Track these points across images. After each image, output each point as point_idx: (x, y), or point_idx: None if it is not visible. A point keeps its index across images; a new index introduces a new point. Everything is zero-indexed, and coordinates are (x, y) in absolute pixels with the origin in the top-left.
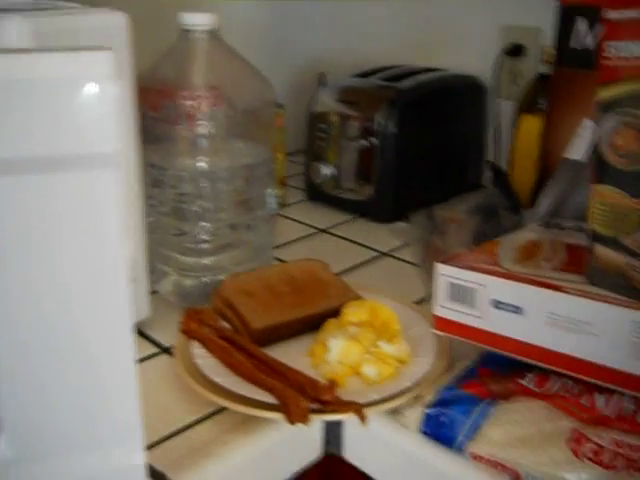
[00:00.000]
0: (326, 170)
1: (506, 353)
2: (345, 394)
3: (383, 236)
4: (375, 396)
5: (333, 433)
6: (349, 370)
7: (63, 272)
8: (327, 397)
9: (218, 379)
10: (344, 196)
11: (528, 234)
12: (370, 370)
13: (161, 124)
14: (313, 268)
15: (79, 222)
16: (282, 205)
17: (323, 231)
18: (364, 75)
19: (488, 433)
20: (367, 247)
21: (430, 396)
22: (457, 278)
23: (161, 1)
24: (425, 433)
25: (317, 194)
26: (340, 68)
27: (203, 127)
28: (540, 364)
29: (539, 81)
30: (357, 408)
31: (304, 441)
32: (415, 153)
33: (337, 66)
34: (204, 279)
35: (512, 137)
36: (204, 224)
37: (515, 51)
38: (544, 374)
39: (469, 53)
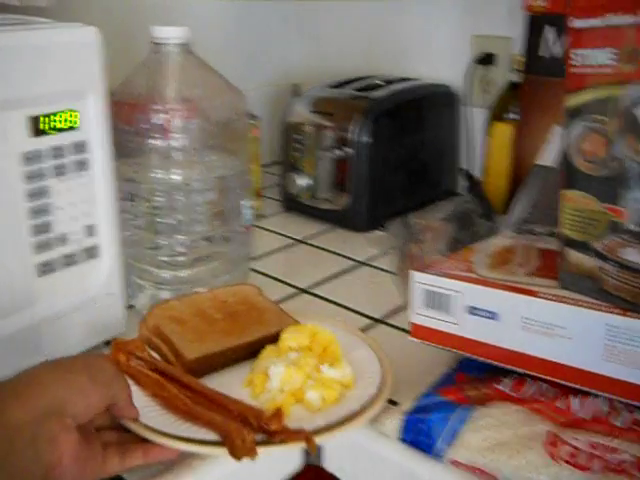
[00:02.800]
0: (302, 180)
1: (482, 358)
2: (290, 422)
3: (360, 245)
4: (321, 422)
5: None
6: (291, 398)
7: None
8: (274, 427)
9: (150, 421)
10: (320, 206)
11: (502, 240)
12: (313, 396)
13: (134, 138)
14: (246, 293)
15: None
16: (258, 216)
17: (300, 241)
18: (338, 85)
19: (466, 438)
20: (344, 256)
21: (408, 403)
22: (432, 285)
23: (132, 15)
24: (404, 440)
25: (293, 205)
26: (314, 79)
27: (176, 140)
28: (516, 368)
29: (510, 89)
30: (306, 436)
31: (284, 452)
32: (390, 162)
33: (311, 77)
34: (181, 293)
35: (485, 145)
36: (179, 237)
37: (486, 60)
38: (520, 378)
39: (441, 62)
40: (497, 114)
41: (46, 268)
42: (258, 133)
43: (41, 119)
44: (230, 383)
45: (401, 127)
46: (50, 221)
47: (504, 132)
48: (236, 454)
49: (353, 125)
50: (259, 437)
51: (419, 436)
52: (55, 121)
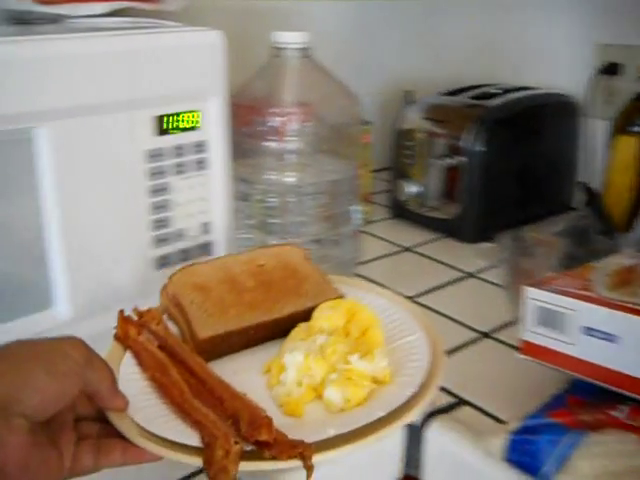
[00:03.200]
0: (411, 188)
1: (597, 382)
2: (301, 426)
3: (468, 256)
4: (333, 431)
5: (412, 454)
6: (309, 393)
7: None
8: (264, 437)
9: (138, 413)
10: (429, 214)
11: (623, 259)
12: (333, 394)
13: (250, 139)
14: (289, 256)
15: None
16: (367, 222)
17: (407, 249)
18: (452, 93)
19: (576, 465)
20: (451, 267)
21: (515, 423)
22: (547, 302)
23: (253, 20)
24: (509, 461)
25: (402, 212)
26: (427, 86)
27: (291, 143)
28: (634, 396)
29: (636, 100)
30: (303, 453)
31: (382, 462)
32: (503, 172)
33: (424, 84)
34: None
35: (606, 158)
36: (290, 238)
37: (610, 69)
38: (638, 406)
39: (562, 71)
40: (621, 126)
41: (164, 261)
42: (370, 139)
43: (165, 119)
44: (250, 368)
45: (517, 136)
46: (169, 217)
47: (628, 145)
48: (210, 468)
49: (466, 133)
50: (249, 447)
51: (525, 457)
52: (178, 121)
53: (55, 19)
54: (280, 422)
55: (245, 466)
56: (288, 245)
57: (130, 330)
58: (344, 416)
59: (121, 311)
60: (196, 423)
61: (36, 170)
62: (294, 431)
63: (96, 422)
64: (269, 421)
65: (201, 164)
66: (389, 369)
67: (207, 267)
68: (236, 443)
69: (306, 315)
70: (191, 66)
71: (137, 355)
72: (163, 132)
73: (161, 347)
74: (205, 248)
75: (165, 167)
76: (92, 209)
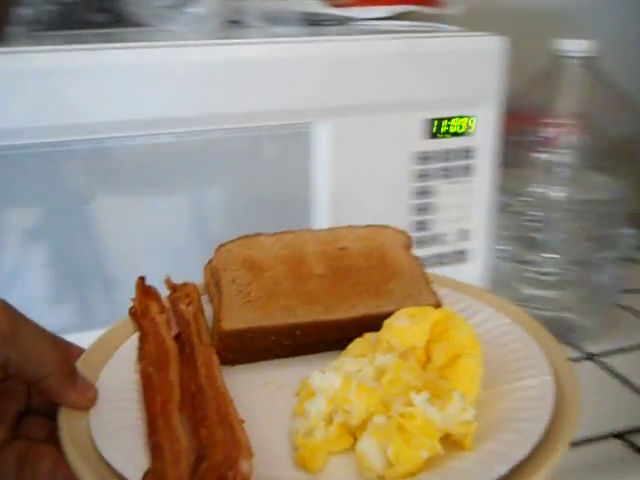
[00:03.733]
0: None
1: None
2: None
3: None
4: None
5: None
6: (341, 438)
7: None
8: None
9: (98, 418)
10: None
11: None
12: (370, 449)
13: (518, 149)
14: (383, 241)
15: None
16: (636, 248)
17: None
18: None
19: None
20: None
21: None
22: None
23: (534, 24)
24: None
25: None
26: None
27: (562, 156)
28: None
29: None
30: None
31: None
32: None
33: None
34: (545, 313)
35: None
36: (550, 255)
37: None
38: None
39: None
40: None
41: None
42: None
43: (436, 122)
44: (287, 382)
45: None
46: (429, 220)
47: None
48: None
49: None
50: None
51: None
52: (449, 125)
53: (343, 21)
54: (283, 476)
55: None
56: (388, 228)
57: (151, 306)
58: None
59: (141, 279)
60: (155, 448)
61: (312, 163)
62: None
63: (40, 419)
64: (241, 476)
65: (467, 170)
66: (474, 426)
67: (272, 240)
68: None
69: (382, 322)
70: (468, 71)
71: (144, 338)
72: (433, 135)
73: (180, 335)
74: (461, 255)
75: (431, 170)
76: (358, 205)
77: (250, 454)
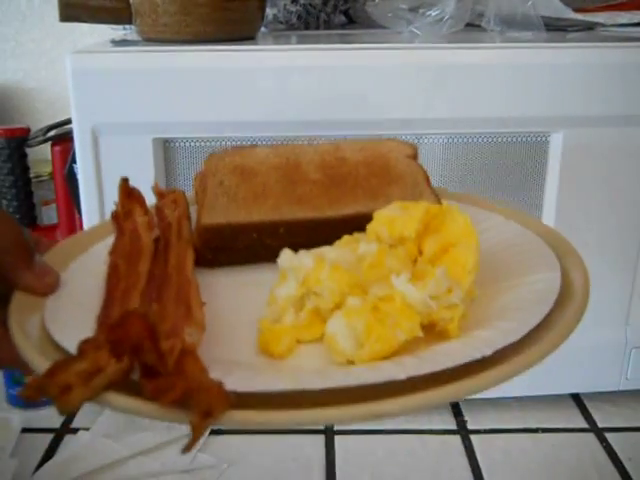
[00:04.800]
0: None
1: None
2: (265, 375)
3: None
4: (285, 387)
5: None
6: (312, 324)
7: None
8: (150, 356)
9: (53, 302)
10: None
11: None
12: (339, 329)
13: None
14: (387, 151)
15: None
16: None
17: None
18: None
19: None
20: None
21: None
22: None
23: None
24: None
25: None
26: None
27: None
28: None
29: None
30: (202, 406)
31: None
32: None
33: None
34: None
35: None
36: None
37: None
38: None
39: None
40: None
41: None
42: None
43: None
44: (266, 283)
45: None
46: None
47: None
48: (49, 384)
49: None
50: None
51: None
52: None
53: (588, 27)
54: (243, 360)
55: (108, 399)
56: (394, 140)
57: (135, 209)
58: (349, 372)
59: (124, 180)
60: (102, 322)
61: (546, 171)
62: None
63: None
64: (181, 341)
65: None
66: (460, 310)
67: (268, 150)
68: (119, 361)
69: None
70: None
71: (120, 235)
72: None
73: (160, 239)
74: None
75: None
76: (584, 217)
77: (201, 327)
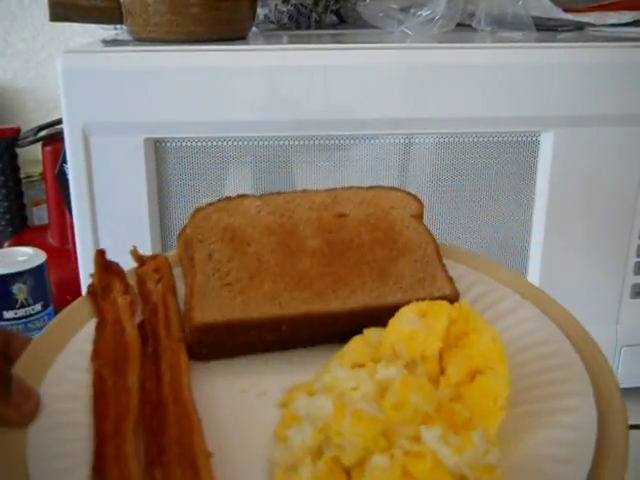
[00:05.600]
0: None
1: None
2: None
3: None
4: None
5: None
6: (330, 478)
7: None
8: None
9: (37, 435)
10: None
11: None
12: None
13: None
14: (390, 207)
15: None
16: None
17: None
18: None
19: None
20: None
21: None
22: None
23: None
24: None
25: None
26: None
27: None
28: None
29: None
30: None
31: None
32: None
33: None
34: None
35: None
36: None
37: None
38: None
39: None
40: None
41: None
42: None
43: None
44: (270, 388)
45: None
46: None
47: None
48: None
49: None
50: None
51: None
52: None
53: (579, 27)
54: None
55: None
56: (398, 190)
57: (114, 283)
58: None
59: (100, 252)
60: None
61: (537, 171)
62: None
63: None
64: None
65: None
66: (498, 472)
67: (258, 203)
68: None
69: (386, 315)
70: None
71: (101, 327)
72: None
73: (145, 323)
74: None
75: None
76: (575, 217)
77: None
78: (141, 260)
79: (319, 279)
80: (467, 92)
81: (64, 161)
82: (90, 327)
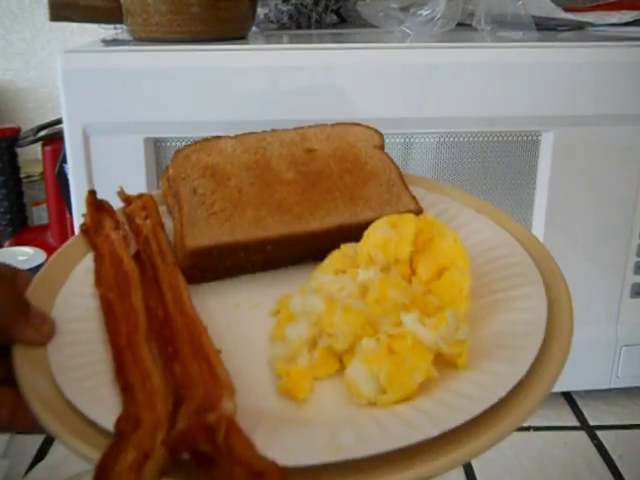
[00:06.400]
0: None
1: None
2: (297, 422)
3: None
4: (330, 458)
5: None
6: (327, 364)
7: None
8: (205, 446)
9: (56, 354)
10: None
11: None
12: (360, 375)
13: None
14: (355, 141)
15: None
16: None
17: None
18: None
19: None
20: None
21: None
22: None
23: None
24: None
25: None
26: None
27: None
28: None
29: None
30: None
31: None
32: None
33: None
34: None
35: None
36: None
37: None
38: None
39: None
40: None
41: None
42: None
43: None
44: (260, 302)
45: None
46: None
47: None
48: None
49: None
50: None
51: None
52: None
53: (579, 27)
54: (268, 406)
55: None
56: (360, 125)
57: (105, 221)
58: (376, 415)
59: (91, 192)
60: (126, 389)
61: (537, 171)
62: (284, 430)
63: (5, 358)
64: (225, 419)
65: None
66: (468, 345)
67: (234, 142)
68: (164, 444)
69: (359, 232)
70: None
71: (100, 259)
72: None
73: (140, 253)
74: None
75: None
76: (575, 217)
77: (232, 391)
78: (128, 200)
79: (297, 205)
80: (467, 92)
81: (64, 161)
82: (88, 260)
